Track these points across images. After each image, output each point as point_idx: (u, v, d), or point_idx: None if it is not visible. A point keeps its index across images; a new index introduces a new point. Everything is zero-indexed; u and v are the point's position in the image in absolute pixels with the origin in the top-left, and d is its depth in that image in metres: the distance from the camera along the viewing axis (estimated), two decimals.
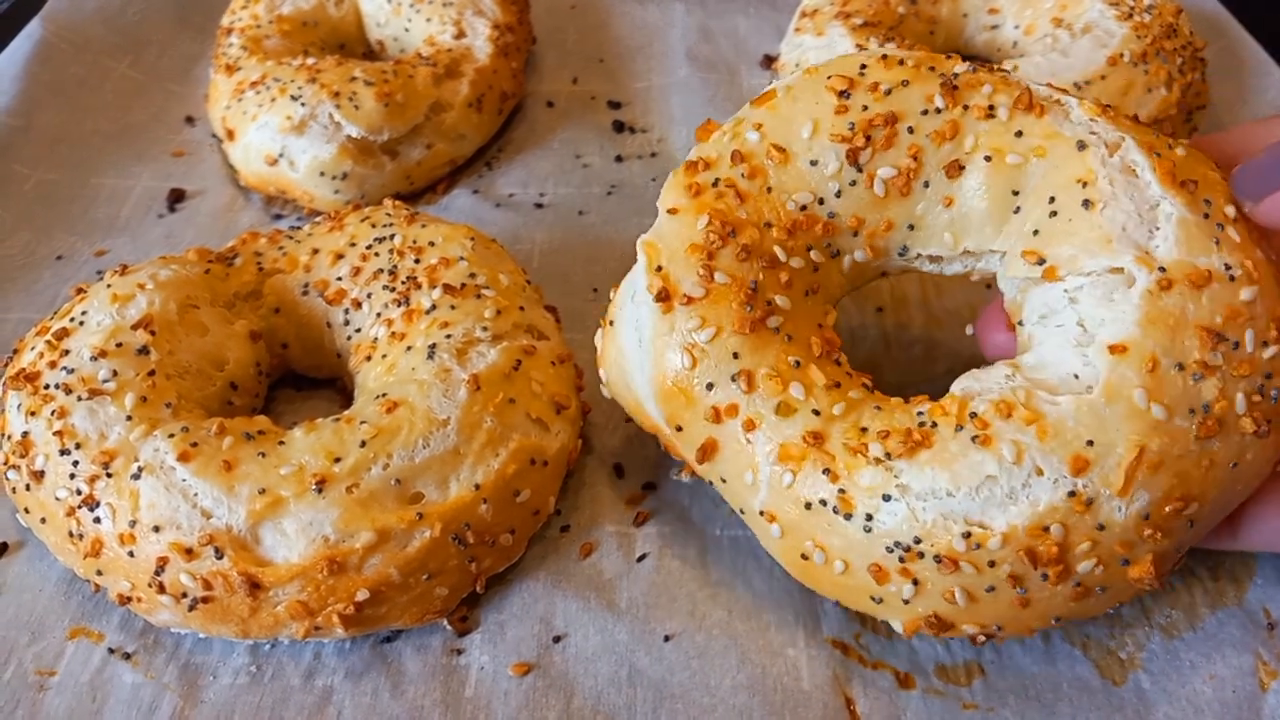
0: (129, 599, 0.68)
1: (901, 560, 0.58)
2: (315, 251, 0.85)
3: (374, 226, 0.85)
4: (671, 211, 0.65)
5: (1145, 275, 0.56)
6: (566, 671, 0.68)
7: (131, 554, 0.67)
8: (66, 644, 0.70)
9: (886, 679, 0.68)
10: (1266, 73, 1.19)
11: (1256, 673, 0.68)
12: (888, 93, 0.64)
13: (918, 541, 0.57)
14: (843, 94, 0.64)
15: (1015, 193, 0.62)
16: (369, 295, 0.82)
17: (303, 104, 1.02)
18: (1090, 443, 0.55)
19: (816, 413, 0.60)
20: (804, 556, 0.62)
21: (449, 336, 0.75)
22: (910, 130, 0.63)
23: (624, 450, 0.83)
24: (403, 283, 0.80)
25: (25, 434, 0.71)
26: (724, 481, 0.64)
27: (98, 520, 0.68)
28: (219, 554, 0.66)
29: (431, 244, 0.83)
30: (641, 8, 1.39)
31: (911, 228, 0.65)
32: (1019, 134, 0.62)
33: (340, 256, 0.84)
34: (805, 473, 0.60)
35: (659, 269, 0.63)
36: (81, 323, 0.76)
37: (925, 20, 1.17)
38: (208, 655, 0.70)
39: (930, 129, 0.63)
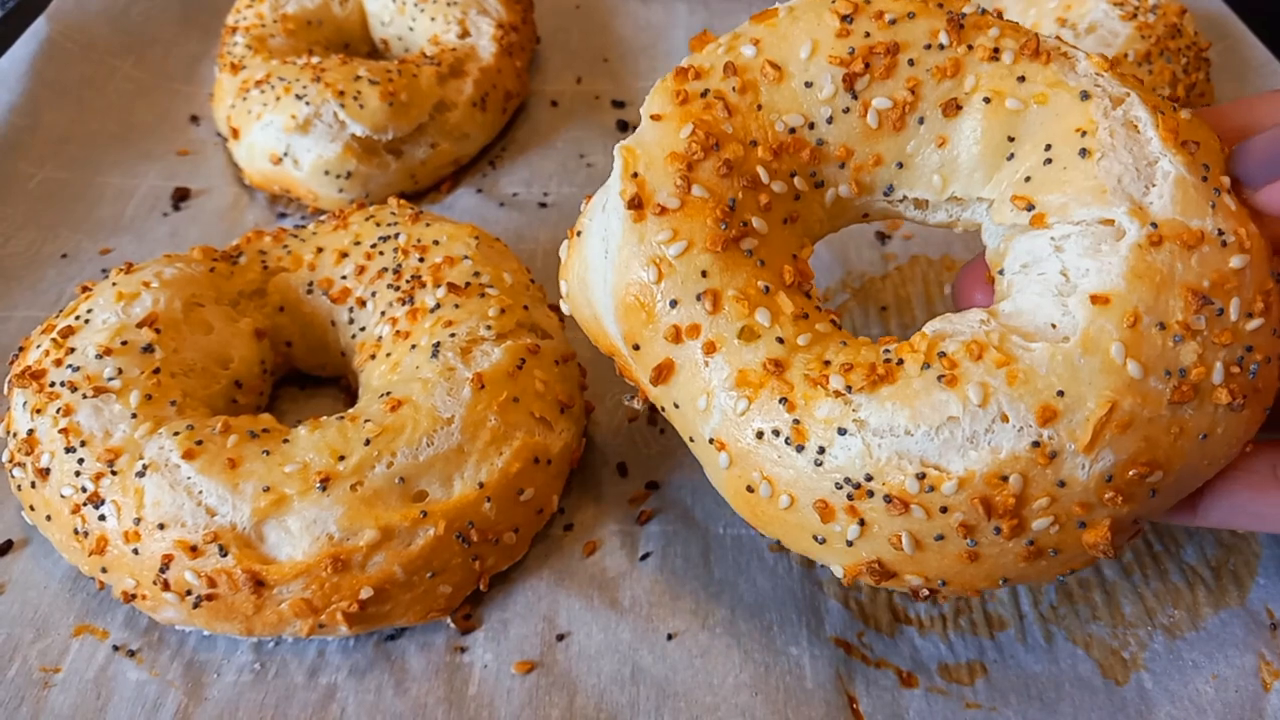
0: (134, 596, 0.68)
1: (850, 498, 0.56)
2: (320, 250, 0.85)
3: (378, 225, 0.86)
4: (655, 118, 0.62)
5: (1136, 228, 0.54)
6: (569, 670, 0.68)
7: (136, 551, 0.67)
8: (71, 641, 0.70)
9: (889, 677, 0.68)
10: (1270, 72, 1.19)
11: (1259, 673, 0.68)
12: (892, 22, 0.61)
13: (869, 479, 0.55)
14: (846, 18, 0.62)
15: (1011, 139, 0.60)
16: (373, 294, 0.82)
17: (307, 103, 1.02)
18: (1061, 393, 0.53)
19: (780, 341, 0.58)
20: (749, 489, 0.59)
21: (453, 335, 0.75)
22: (911, 63, 0.61)
23: (627, 449, 0.83)
24: (407, 281, 0.80)
25: (31, 431, 0.71)
26: (676, 407, 0.61)
27: (102, 518, 0.68)
28: (223, 551, 0.66)
29: (436, 243, 0.83)
30: (645, 7, 1.39)
31: (900, 165, 0.63)
32: (1022, 79, 0.60)
33: (345, 255, 0.84)
34: (761, 400, 0.57)
35: (635, 175, 0.60)
36: (87, 321, 0.76)
37: None
38: (212, 653, 0.70)
39: (931, 64, 0.61)
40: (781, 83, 0.62)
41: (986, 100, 0.60)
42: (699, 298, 0.59)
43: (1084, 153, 0.57)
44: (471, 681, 0.68)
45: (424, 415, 0.71)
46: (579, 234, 0.65)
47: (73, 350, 0.74)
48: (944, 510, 0.54)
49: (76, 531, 0.69)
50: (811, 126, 0.62)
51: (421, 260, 0.82)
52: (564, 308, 0.67)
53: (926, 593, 0.60)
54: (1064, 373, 0.53)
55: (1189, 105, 1.02)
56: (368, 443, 0.69)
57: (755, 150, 0.61)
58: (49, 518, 0.71)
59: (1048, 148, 0.59)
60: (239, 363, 0.80)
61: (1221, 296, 0.54)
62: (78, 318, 0.76)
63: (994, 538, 0.55)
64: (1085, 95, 0.58)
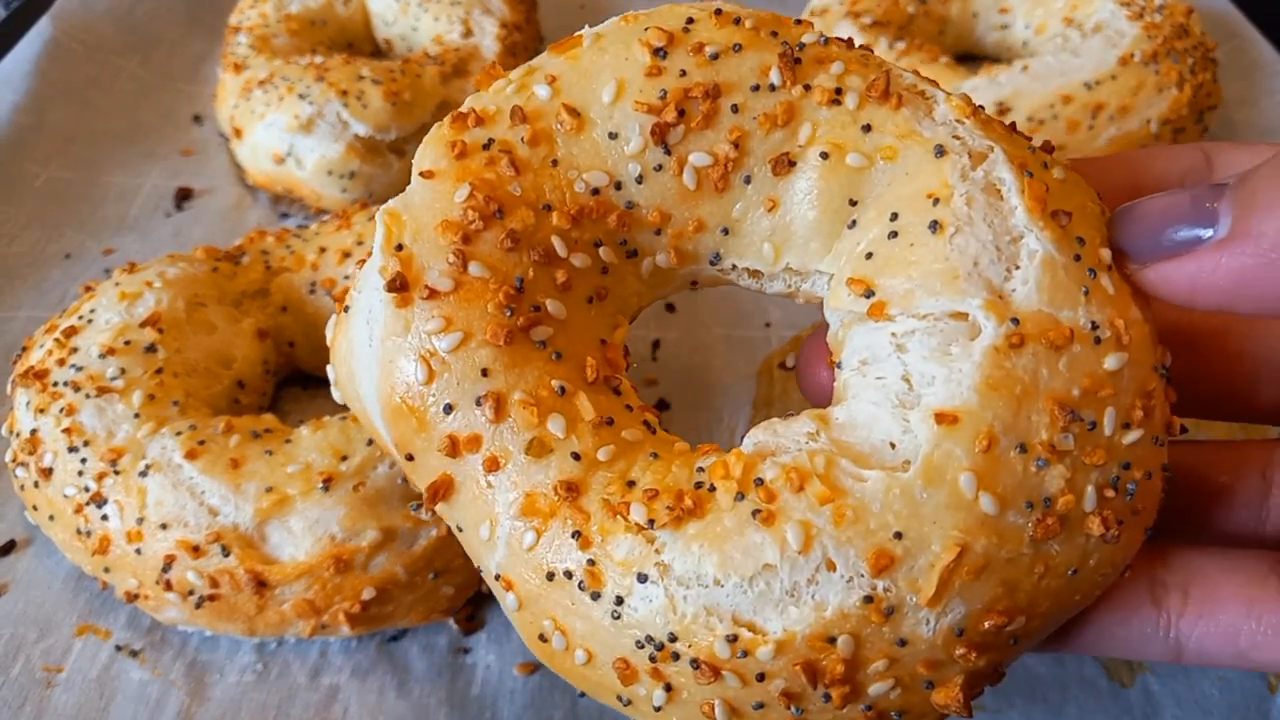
0: (136, 596, 0.68)
1: (653, 660, 0.46)
2: (322, 250, 0.85)
3: None
4: (426, 175, 0.51)
5: (994, 327, 0.45)
6: None
7: (139, 551, 0.67)
8: (74, 641, 0.70)
9: None
10: (1277, 73, 1.18)
11: (1265, 675, 0.67)
12: (714, 57, 0.51)
13: (673, 639, 0.46)
14: (659, 51, 0.51)
15: (853, 202, 0.51)
16: None
17: (310, 103, 1.02)
18: (898, 535, 0.44)
19: (576, 456, 0.48)
20: (542, 638, 0.50)
21: None
22: (735, 109, 0.51)
23: None
24: None
25: (34, 431, 0.71)
26: (460, 531, 0.51)
27: (105, 517, 0.68)
28: (226, 552, 0.66)
29: None
30: (649, 6, 1.39)
31: (726, 232, 0.53)
32: (867, 128, 0.50)
33: (347, 255, 0.84)
34: (552, 533, 0.48)
35: (399, 248, 0.50)
36: (90, 320, 0.76)
37: (935, 20, 1.17)
38: (214, 653, 0.70)
39: (759, 110, 0.51)
40: (581, 133, 0.51)
41: (824, 155, 0.50)
42: (479, 402, 0.48)
43: (935, 226, 0.47)
44: (474, 683, 0.68)
45: None
46: (347, 309, 0.53)
47: (76, 350, 0.74)
48: (761, 678, 0.46)
49: (79, 531, 0.69)
50: (619, 187, 0.52)
51: None
52: (335, 395, 0.56)
53: None
54: (902, 509, 0.44)
55: (1197, 105, 1.02)
56: (370, 443, 0.69)
57: (550, 216, 0.51)
58: (52, 517, 0.71)
59: (894, 217, 0.49)
60: (241, 363, 0.80)
61: (1094, 407, 0.45)
62: (81, 317, 0.76)
63: (824, 705, 0.46)
64: (941, 151, 0.49)
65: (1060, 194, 0.48)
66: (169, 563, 0.66)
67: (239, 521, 0.67)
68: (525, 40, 1.19)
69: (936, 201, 0.48)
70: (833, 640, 0.44)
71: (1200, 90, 1.02)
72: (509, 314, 0.49)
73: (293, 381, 0.89)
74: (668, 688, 0.47)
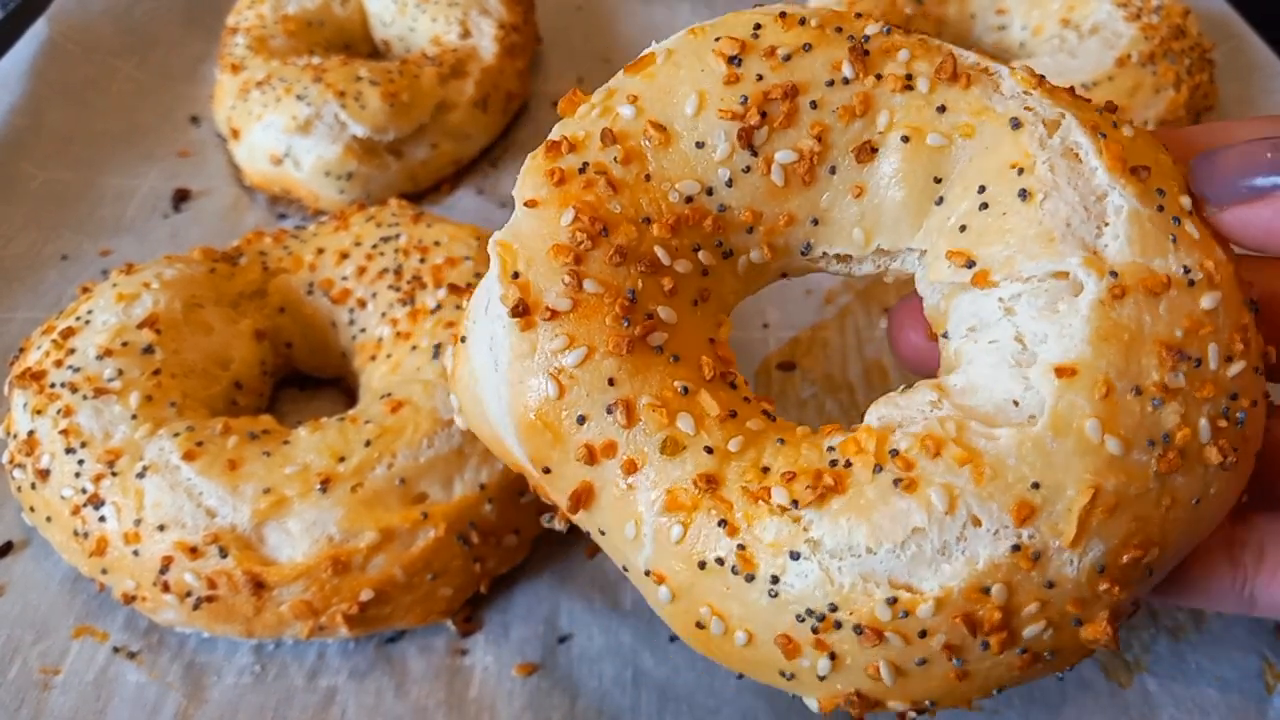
0: (134, 598, 0.68)
1: (815, 631, 0.49)
2: (320, 251, 0.85)
3: (379, 226, 0.85)
4: (530, 204, 0.54)
5: (1095, 282, 0.48)
6: (571, 672, 0.68)
7: (136, 553, 0.67)
8: (71, 643, 0.70)
9: None
10: (1275, 74, 1.18)
11: (1263, 675, 0.67)
12: (786, 59, 0.53)
13: (834, 609, 0.48)
14: (733, 59, 0.54)
15: (937, 180, 0.53)
16: (374, 295, 0.82)
17: (308, 104, 1.02)
18: (1036, 485, 0.47)
19: (709, 450, 0.51)
20: (699, 625, 0.52)
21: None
22: (813, 105, 0.53)
23: None
24: (408, 282, 0.80)
25: (31, 433, 0.71)
26: (603, 534, 0.54)
27: (103, 519, 0.68)
28: (223, 553, 0.66)
29: (437, 243, 0.83)
30: (647, 8, 1.39)
31: (816, 222, 0.56)
32: (942, 109, 0.53)
33: (345, 256, 0.84)
34: (698, 524, 0.50)
35: (515, 276, 0.52)
36: (87, 322, 0.76)
37: (933, 21, 1.17)
38: (212, 655, 0.70)
39: (837, 104, 0.53)
40: (669, 146, 0.54)
41: (905, 139, 0.53)
42: (610, 410, 0.51)
43: (1024, 194, 0.50)
44: (472, 684, 0.68)
45: (425, 417, 0.71)
46: (463, 340, 0.57)
47: (73, 351, 0.73)
48: (923, 635, 0.48)
49: (76, 533, 0.69)
50: (710, 192, 0.55)
51: (422, 261, 0.81)
52: (459, 422, 0.58)
53: (914, 715, 0.53)
54: (1036, 461, 0.47)
55: (1194, 106, 1.02)
56: (368, 444, 0.69)
57: (650, 228, 0.53)
58: (49, 519, 0.71)
59: (981, 189, 0.52)
60: (239, 364, 0.80)
61: (1197, 345, 0.48)
62: (78, 319, 0.76)
63: (982, 654, 0.49)
64: (1016, 123, 0.52)
65: (1135, 150, 0.51)
66: (166, 564, 0.66)
67: (236, 523, 0.67)
68: (523, 41, 1.19)
69: (1021, 171, 0.51)
70: (987, 590, 0.47)
71: (1197, 91, 1.02)
72: (626, 324, 0.52)
73: (290, 382, 0.89)
74: (832, 656, 0.49)
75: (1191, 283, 0.48)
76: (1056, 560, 0.47)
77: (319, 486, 0.67)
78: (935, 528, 0.47)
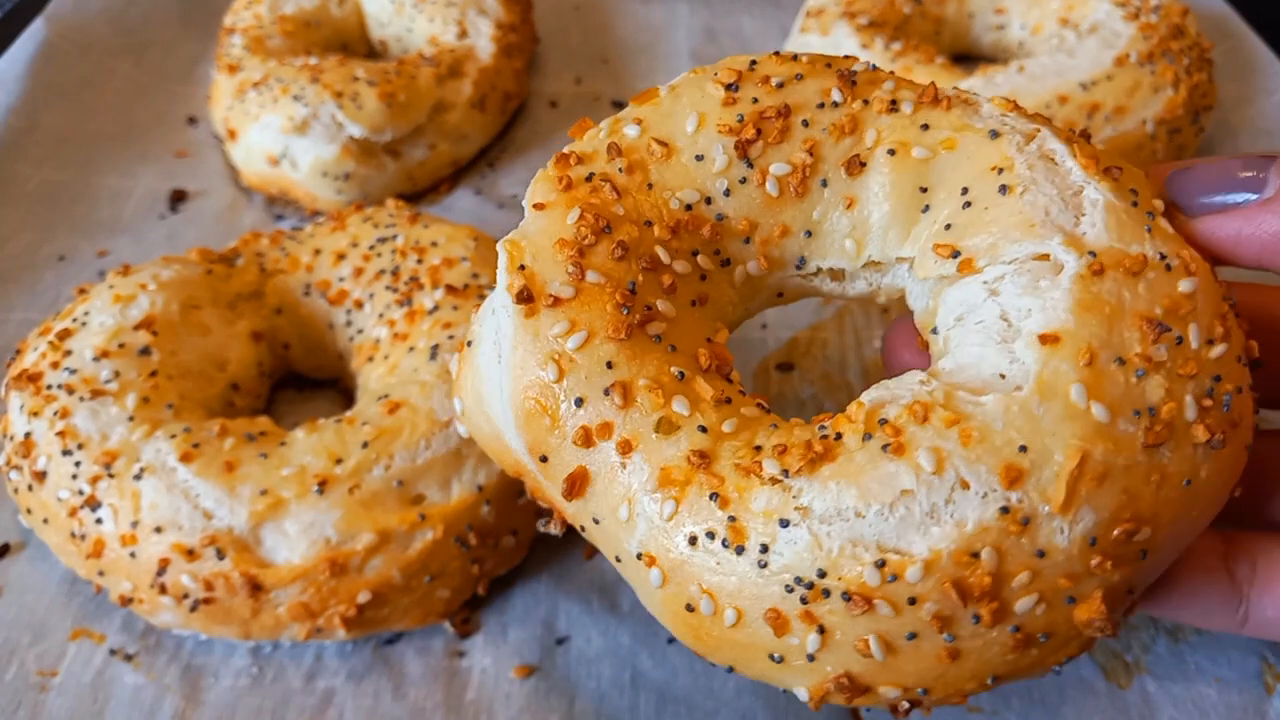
0: (131, 600, 0.68)
1: (804, 601, 0.49)
2: (317, 252, 0.85)
3: (376, 227, 0.85)
4: (538, 207, 0.57)
5: (1075, 259, 0.50)
6: (569, 674, 0.68)
7: (133, 555, 0.67)
8: (68, 645, 0.70)
9: None
10: (1273, 73, 1.18)
11: (1263, 676, 0.67)
12: (780, 86, 0.58)
13: (822, 575, 0.48)
14: (731, 86, 0.58)
15: (923, 189, 0.56)
16: (371, 296, 0.81)
17: (305, 104, 1.01)
18: (1023, 448, 0.47)
19: (704, 430, 0.52)
20: (689, 607, 0.52)
21: (451, 337, 0.75)
22: (806, 123, 0.57)
23: None
24: (405, 283, 0.80)
25: (28, 434, 0.71)
26: (596, 522, 0.54)
27: (99, 521, 0.68)
28: (220, 555, 0.66)
29: (434, 244, 0.83)
30: (646, 7, 1.39)
31: (809, 234, 0.58)
32: (925, 127, 0.56)
33: (342, 257, 0.84)
34: (690, 499, 0.51)
35: (522, 267, 0.55)
36: (84, 323, 0.76)
37: (931, 20, 1.17)
38: (209, 657, 0.70)
39: (828, 122, 0.57)
40: (671, 159, 0.58)
41: (891, 153, 0.56)
42: (607, 392, 0.52)
43: (1004, 189, 0.53)
44: (470, 686, 0.68)
45: (422, 418, 0.70)
46: (469, 344, 0.59)
47: (70, 353, 0.73)
48: (913, 602, 0.48)
49: (73, 534, 0.69)
50: (709, 201, 0.58)
51: (419, 262, 0.81)
52: (460, 429, 0.60)
53: (907, 705, 0.52)
54: (1023, 424, 0.48)
55: (1193, 105, 1.02)
56: (365, 445, 0.69)
57: (651, 230, 0.56)
58: (46, 520, 0.70)
59: (964, 191, 0.54)
60: (236, 365, 0.80)
61: (1178, 323, 0.49)
62: (75, 320, 0.76)
63: (974, 628, 0.48)
64: (995, 134, 0.55)
65: (1107, 157, 0.54)
66: (163, 566, 0.66)
67: (233, 524, 0.67)
68: (520, 41, 1.19)
69: (1001, 171, 0.54)
70: (976, 555, 0.47)
71: (1196, 91, 1.02)
72: (626, 312, 0.54)
73: (287, 384, 0.89)
74: (821, 630, 0.49)
75: (1169, 267, 0.50)
76: (1047, 527, 0.47)
77: (316, 488, 0.67)
78: (924, 489, 0.48)
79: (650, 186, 0.57)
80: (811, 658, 0.50)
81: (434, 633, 0.71)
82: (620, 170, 0.58)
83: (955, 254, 0.54)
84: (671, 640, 0.69)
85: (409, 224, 0.85)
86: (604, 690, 0.67)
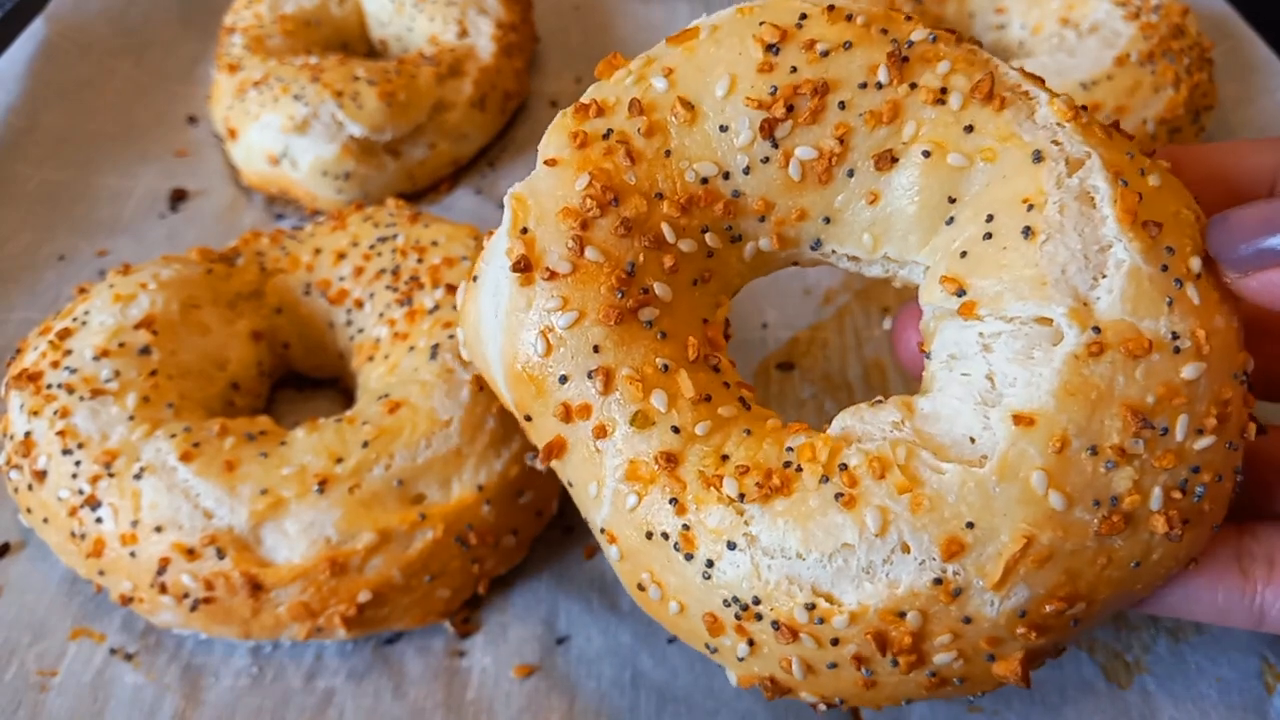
0: (131, 599, 0.68)
1: (738, 618, 0.52)
2: (317, 251, 0.85)
3: (376, 226, 0.85)
4: (549, 163, 0.55)
5: (1075, 334, 0.48)
6: (569, 674, 0.68)
7: (133, 554, 0.67)
8: (68, 644, 0.70)
9: None
10: (1274, 73, 1.18)
11: (1263, 675, 0.67)
12: (824, 54, 0.53)
13: (756, 602, 0.51)
14: (771, 48, 0.54)
15: (952, 200, 0.53)
16: (371, 295, 0.81)
17: (305, 103, 1.01)
18: (970, 525, 0.48)
19: (676, 430, 0.53)
20: (640, 587, 0.56)
21: (452, 337, 0.75)
22: (842, 106, 0.54)
23: None
24: (405, 283, 0.80)
25: (28, 434, 0.71)
26: (570, 485, 0.57)
27: (100, 520, 0.68)
28: (220, 554, 0.66)
29: (434, 244, 0.83)
30: (646, 7, 1.39)
31: (827, 221, 0.56)
32: (969, 129, 0.53)
33: (342, 256, 0.84)
34: (651, 498, 0.53)
35: (524, 231, 0.55)
36: (84, 322, 0.75)
37: (931, 19, 1.17)
38: (209, 656, 0.70)
39: (866, 107, 0.53)
40: (694, 125, 0.55)
41: (926, 154, 0.53)
42: (590, 375, 0.53)
43: (1028, 231, 0.50)
44: (470, 685, 0.68)
45: (422, 417, 0.70)
46: (475, 279, 0.59)
47: (70, 352, 0.73)
48: (835, 643, 0.50)
49: (73, 534, 0.69)
50: (726, 176, 0.55)
51: (420, 261, 0.81)
52: (463, 353, 0.62)
53: (824, 708, 0.55)
54: (975, 502, 0.48)
55: (1193, 105, 1.01)
56: (366, 445, 0.69)
57: (661, 204, 0.55)
58: (46, 520, 0.70)
59: (989, 218, 0.52)
60: (236, 364, 0.79)
61: (1167, 414, 0.47)
62: (75, 320, 0.76)
63: (891, 670, 0.50)
64: (1039, 156, 0.51)
65: (1154, 202, 0.50)
66: (163, 565, 0.66)
67: (234, 524, 0.67)
68: (521, 40, 1.19)
69: (1031, 207, 0.50)
70: (902, 615, 0.49)
71: (1196, 90, 1.02)
72: (620, 296, 0.54)
73: (288, 383, 0.89)
74: (750, 643, 0.52)
75: (1178, 349, 0.48)
76: (977, 599, 0.48)
77: (316, 487, 0.67)
78: (865, 547, 0.49)
79: (668, 154, 0.55)
80: (741, 659, 0.53)
81: (434, 632, 0.71)
82: (639, 131, 0.55)
83: (961, 291, 0.52)
84: (672, 640, 0.69)
85: (409, 223, 0.85)
86: (604, 690, 0.67)
